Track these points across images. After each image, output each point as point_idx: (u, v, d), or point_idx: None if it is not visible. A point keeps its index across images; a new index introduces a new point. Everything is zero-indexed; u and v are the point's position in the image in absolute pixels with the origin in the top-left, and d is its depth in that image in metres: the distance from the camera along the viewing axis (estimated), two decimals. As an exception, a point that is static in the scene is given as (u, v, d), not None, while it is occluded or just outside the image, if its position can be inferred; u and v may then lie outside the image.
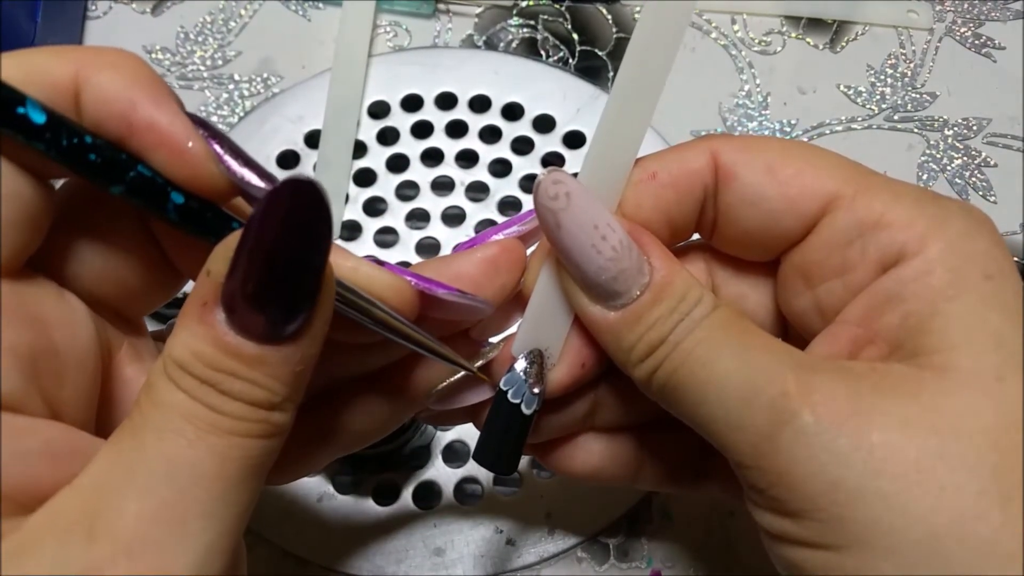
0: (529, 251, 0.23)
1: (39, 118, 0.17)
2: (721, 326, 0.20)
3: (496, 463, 0.23)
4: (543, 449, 0.26)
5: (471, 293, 0.21)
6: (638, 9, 0.48)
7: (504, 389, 0.22)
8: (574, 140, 0.43)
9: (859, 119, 0.45)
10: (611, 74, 0.46)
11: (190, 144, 0.19)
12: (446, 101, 0.44)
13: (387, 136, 0.44)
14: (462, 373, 0.23)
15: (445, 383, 0.23)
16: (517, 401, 0.22)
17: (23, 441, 0.18)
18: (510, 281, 0.22)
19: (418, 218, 0.42)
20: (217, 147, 0.19)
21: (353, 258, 0.20)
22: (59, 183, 0.20)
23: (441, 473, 0.36)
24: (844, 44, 0.47)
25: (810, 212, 0.21)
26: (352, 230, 0.41)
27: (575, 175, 0.21)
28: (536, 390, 0.22)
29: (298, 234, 0.17)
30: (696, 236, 0.23)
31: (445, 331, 0.23)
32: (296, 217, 0.17)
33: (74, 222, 0.20)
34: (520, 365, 0.22)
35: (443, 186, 0.42)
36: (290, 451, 0.20)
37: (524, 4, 0.48)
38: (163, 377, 0.18)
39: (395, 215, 0.41)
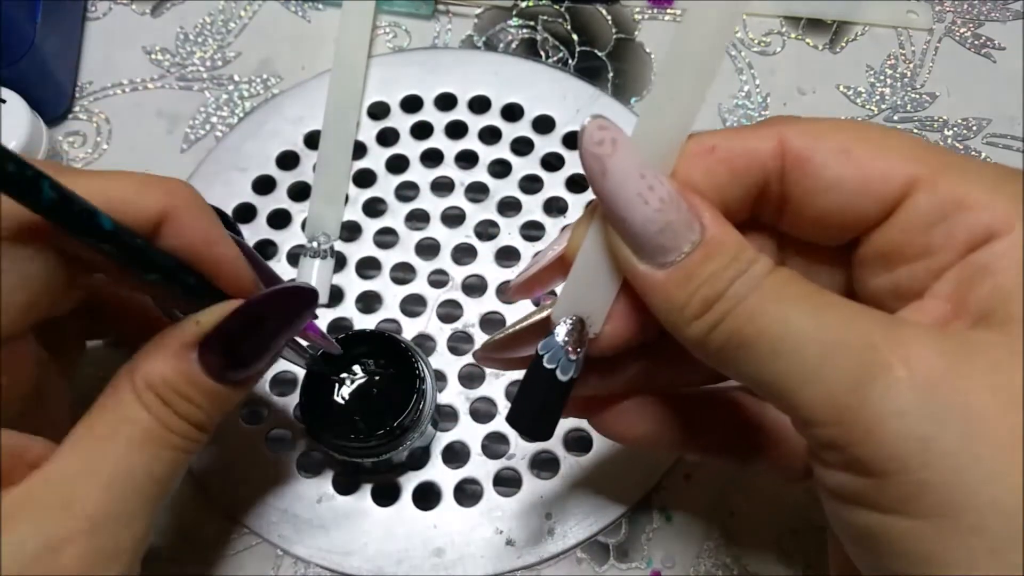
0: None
1: (108, 225, 0.22)
2: (788, 283, 0.19)
3: (530, 428, 0.23)
4: (592, 411, 0.25)
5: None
6: (637, 10, 0.48)
7: (541, 353, 0.22)
8: (574, 141, 0.43)
9: (859, 120, 0.45)
10: (611, 75, 0.46)
11: (242, 275, 0.26)
12: (446, 102, 0.44)
13: (387, 137, 0.44)
14: (520, 325, 0.24)
15: (504, 333, 0.23)
16: (552, 367, 0.22)
17: None
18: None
19: (418, 219, 0.42)
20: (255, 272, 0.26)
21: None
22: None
23: (441, 474, 0.36)
24: (844, 44, 0.47)
25: (891, 194, 0.20)
26: (352, 231, 0.41)
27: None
28: (573, 356, 0.22)
29: (283, 322, 0.25)
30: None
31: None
32: (288, 312, 0.25)
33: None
34: (560, 330, 0.22)
35: (443, 187, 0.42)
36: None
37: (524, 5, 0.48)
38: (131, 392, 0.23)
39: (395, 216, 0.41)
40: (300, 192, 0.42)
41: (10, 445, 0.23)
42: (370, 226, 0.41)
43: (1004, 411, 0.17)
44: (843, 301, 0.19)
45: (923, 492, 0.17)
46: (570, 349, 0.22)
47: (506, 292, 0.23)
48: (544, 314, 0.23)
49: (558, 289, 0.23)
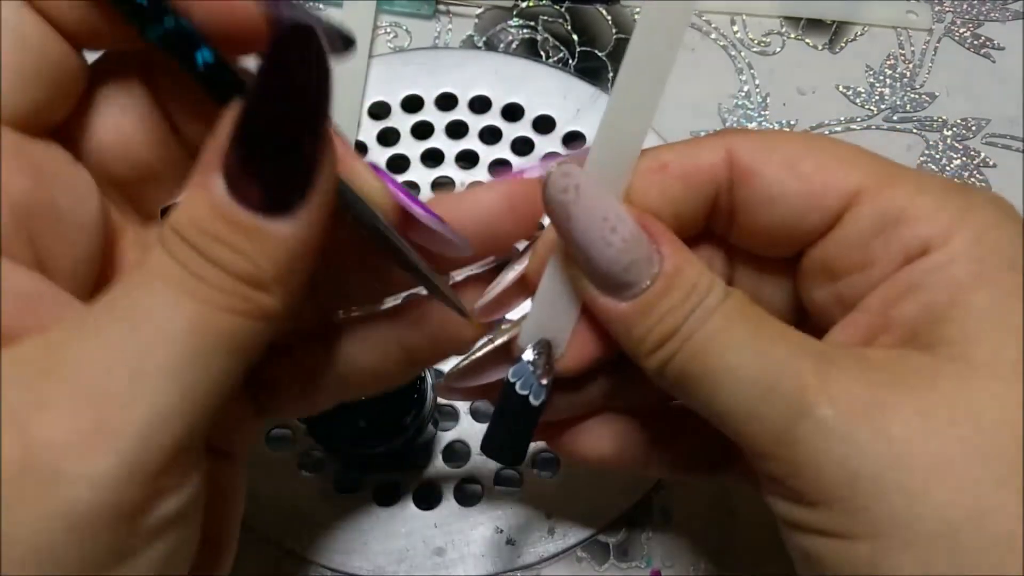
0: None
1: None
2: (734, 315, 0.20)
3: (504, 454, 0.23)
4: (553, 433, 0.25)
5: (449, 225, 0.21)
6: (638, 10, 0.48)
7: (512, 380, 0.22)
8: (574, 141, 0.43)
9: (858, 119, 0.45)
10: (611, 75, 0.46)
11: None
12: (446, 102, 0.44)
13: (387, 137, 0.44)
14: (483, 351, 0.23)
15: (466, 360, 0.23)
16: (525, 392, 0.22)
17: None
18: (529, 216, 0.22)
19: (418, 219, 0.42)
20: None
21: (344, 146, 0.19)
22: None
23: (442, 473, 0.36)
24: (843, 45, 0.47)
25: (833, 207, 0.21)
26: (352, 231, 0.41)
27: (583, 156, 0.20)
28: (544, 381, 0.22)
29: (295, 92, 0.17)
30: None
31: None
32: (293, 74, 0.17)
33: (91, 98, 0.21)
34: (528, 356, 0.22)
35: (443, 187, 0.42)
36: (298, 381, 0.20)
37: (524, 5, 0.48)
38: (157, 243, 0.17)
39: (395, 216, 0.41)
40: (301, 192, 0.42)
41: (25, 292, 0.17)
42: (371, 226, 0.41)
43: (926, 435, 0.18)
44: (783, 333, 0.20)
45: (854, 518, 0.18)
46: (540, 374, 0.22)
47: (471, 316, 0.23)
48: (502, 340, 0.23)
49: (514, 313, 0.23)
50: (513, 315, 0.24)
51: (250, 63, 0.20)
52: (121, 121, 0.21)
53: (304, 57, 0.17)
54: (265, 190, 0.17)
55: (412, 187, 0.42)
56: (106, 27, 0.19)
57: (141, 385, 0.16)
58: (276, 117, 0.17)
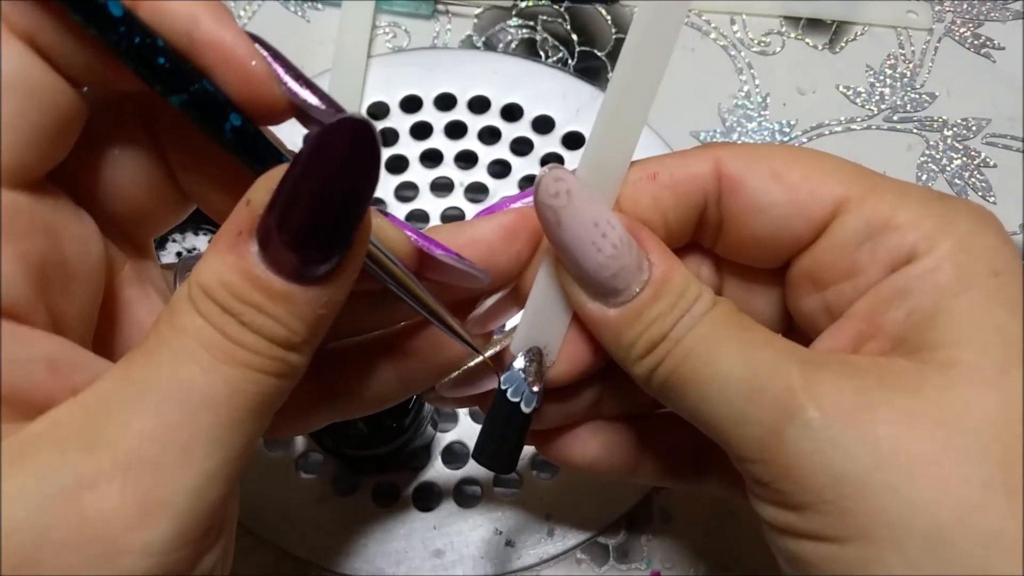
0: None
1: (117, 11, 0.17)
2: (722, 322, 0.20)
3: (495, 462, 0.23)
4: (543, 439, 0.25)
5: (469, 260, 0.21)
6: (636, 9, 0.48)
7: (504, 388, 0.22)
8: (573, 141, 0.43)
9: (858, 119, 0.45)
10: (610, 74, 0.46)
11: (253, 63, 0.19)
12: (445, 102, 0.44)
13: (386, 137, 0.44)
14: (474, 361, 0.23)
15: (459, 370, 0.23)
16: (517, 400, 0.22)
17: (25, 349, 0.18)
18: (526, 249, 0.22)
19: (417, 219, 0.42)
20: (278, 67, 0.19)
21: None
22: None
23: (441, 474, 0.36)
24: (843, 44, 0.47)
25: (819, 216, 0.21)
26: (351, 231, 0.41)
27: (573, 171, 0.21)
28: (536, 388, 0.22)
29: (346, 175, 0.17)
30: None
31: (441, 299, 0.22)
32: (347, 157, 0.17)
33: (89, 138, 0.20)
34: (519, 363, 0.22)
35: (442, 187, 0.42)
36: (292, 404, 0.20)
37: (523, 5, 0.48)
38: (186, 302, 0.18)
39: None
40: (299, 192, 0.42)
41: (51, 357, 0.18)
42: (370, 226, 0.41)
43: (913, 437, 0.18)
44: (770, 339, 0.20)
45: (842, 520, 0.18)
46: (531, 381, 0.22)
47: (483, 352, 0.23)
48: (494, 349, 0.23)
49: (509, 322, 0.23)
50: (507, 326, 0.24)
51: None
52: (120, 160, 0.21)
53: (364, 142, 0.17)
54: (301, 259, 0.17)
55: (411, 187, 0.42)
56: (110, 71, 0.19)
57: (189, 454, 0.17)
58: (323, 195, 0.17)
